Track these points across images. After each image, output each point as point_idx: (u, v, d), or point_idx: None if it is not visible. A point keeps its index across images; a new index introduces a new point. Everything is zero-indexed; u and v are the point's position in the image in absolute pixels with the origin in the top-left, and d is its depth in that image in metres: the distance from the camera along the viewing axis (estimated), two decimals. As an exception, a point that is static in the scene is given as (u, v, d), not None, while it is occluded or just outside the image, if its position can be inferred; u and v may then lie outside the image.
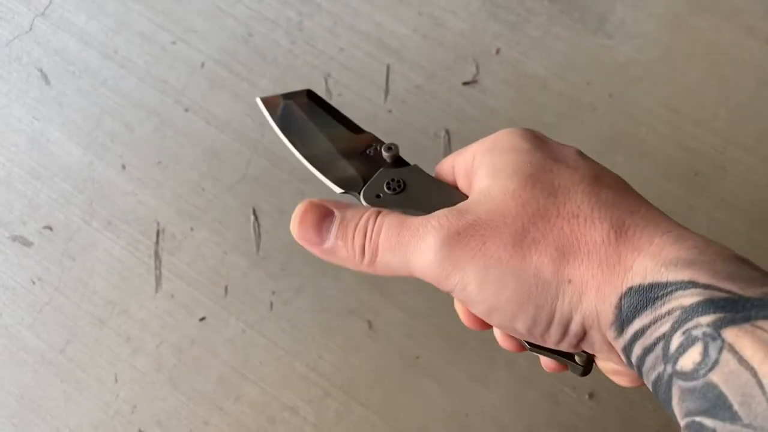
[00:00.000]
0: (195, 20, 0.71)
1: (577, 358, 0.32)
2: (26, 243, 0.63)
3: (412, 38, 0.69)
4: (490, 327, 0.32)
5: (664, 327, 0.24)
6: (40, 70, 0.69)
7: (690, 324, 0.23)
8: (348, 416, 0.57)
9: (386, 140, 0.37)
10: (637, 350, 0.26)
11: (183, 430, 0.57)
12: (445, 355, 0.58)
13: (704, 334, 0.23)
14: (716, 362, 0.22)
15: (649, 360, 0.25)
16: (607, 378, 0.33)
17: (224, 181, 0.64)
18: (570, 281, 0.27)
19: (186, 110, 0.67)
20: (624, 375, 0.31)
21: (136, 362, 0.59)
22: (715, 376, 0.22)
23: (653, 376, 0.25)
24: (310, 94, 0.40)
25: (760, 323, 0.22)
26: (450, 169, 0.34)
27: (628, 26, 0.69)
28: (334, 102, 0.67)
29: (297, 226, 0.32)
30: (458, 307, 0.34)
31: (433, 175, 0.36)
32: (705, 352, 0.23)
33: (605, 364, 0.32)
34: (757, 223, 0.61)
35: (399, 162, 0.36)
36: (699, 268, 0.24)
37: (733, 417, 0.21)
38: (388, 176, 0.35)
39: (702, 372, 0.22)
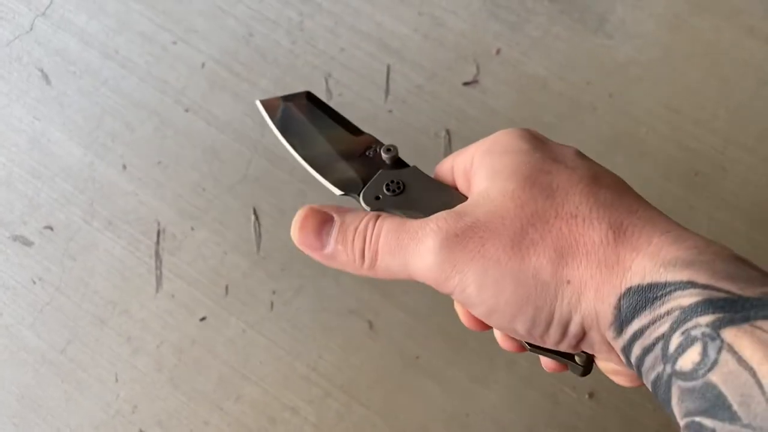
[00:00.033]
0: (196, 20, 0.71)
1: (577, 359, 0.32)
2: (27, 243, 0.63)
3: (413, 38, 0.69)
4: (490, 328, 0.32)
5: (663, 327, 0.24)
6: (41, 70, 0.70)
7: (689, 324, 0.23)
8: (348, 416, 0.57)
9: (386, 140, 0.37)
10: (636, 350, 0.26)
11: (183, 430, 0.57)
12: (445, 355, 0.58)
13: (703, 334, 0.23)
14: (715, 362, 0.22)
15: (649, 360, 0.25)
16: (607, 378, 0.33)
17: (225, 182, 0.65)
18: (569, 282, 0.27)
19: (186, 110, 0.67)
20: (624, 375, 0.31)
21: (137, 362, 0.59)
22: (714, 376, 0.22)
23: (652, 376, 0.25)
24: (309, 96, 0.40)
25: (759, 323, 0.22)
26: (449, 169, 0.34)
27: (628, 26, 0.69)
28: (335, 102, 0.67)
29: (297, 231, 0.32)
30: (458, 308, 0.34)
31: (432, 175, 0.36)
32: (704, 352, 0.23)
33: (605, 364, 0.32)
34: (757, 223, 0.61)
35: (398, 163, 0.36)
36: (698, 268, 0.24)
37: (732, 417, 0.21)
38: (388, 178, 0.35)
39: (701, 372, 0.23)
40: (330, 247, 0.32)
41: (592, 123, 0.66)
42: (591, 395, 0.57)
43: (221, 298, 0.61)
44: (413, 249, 0.29)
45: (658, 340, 0.24)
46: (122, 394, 0.58)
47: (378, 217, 0.31)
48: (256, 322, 0.60)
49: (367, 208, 0.34)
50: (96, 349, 0.59)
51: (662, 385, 0.24)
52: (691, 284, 0.24)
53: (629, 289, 0.25)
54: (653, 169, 0.63)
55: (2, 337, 0.60)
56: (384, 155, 0.36)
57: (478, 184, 0.30)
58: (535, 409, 0.56)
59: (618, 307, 0.26)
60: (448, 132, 0.66)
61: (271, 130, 0.38)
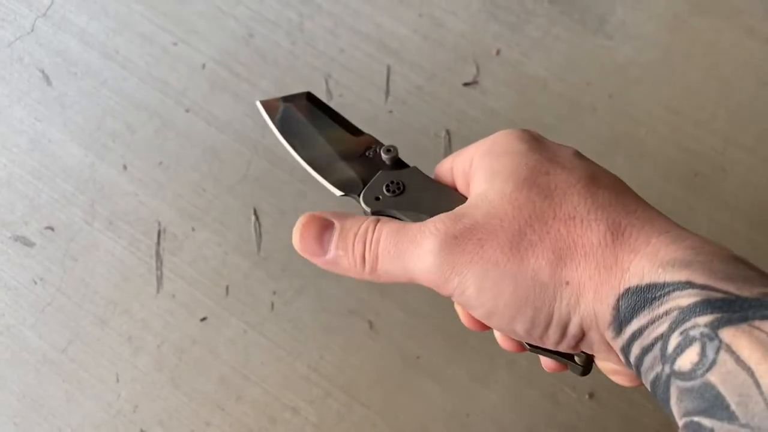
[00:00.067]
0: (196, 21, 0.71)
1: (576, 358, 0.32)
2: (28, 243, 0.63)
3: (413, 39, 0.70)
4: (490, 328, 0.33)
5: (662, 327, 0.24)
6: (42, 71, 0.70)
7: (687, 324, 0.23)
8: (349, 416, 0.57)
9: (387, 141, 0.37)
10: (635, 350, 0.26)
11: (184, 431, 0.57)
12: (445, 354, 0.58)
13: (702, 334, 0.23)
14: (714, 362, 0.22)
15: (648, 360, 0.25)
16: (607, 378, 0.33)
17: (225, 182, 0.65)
18: (567, 283, 0.27)
19: (187, 111, 0.67)
20: (623, 374, 0.32)
21: (138, 362, 0.59)
22: (712, 376, 0.22)
23: (651, 375, 0.25)
24: (309, 97, 0.40)
25: (758, 323, 0.22)
26: (449, 170, 0.34)
27: (628, 27, 0.69)
28: (335, 103, 0.67)
29: (299, 239, 0.32)
30: (458, 308, 0.34)
31: (432, 176, 0.36)
32: (702, 353, 0.23)
33: (604, 364, 0.32)
34: (757, 224, 0.61)
35: (398, 164, 0.36)
36: (696, 268, 0.24)
37: (730, 417, 0.21)
38: (388, 178, 0.35)
39: (699, 372, 0.23)
40: (331, 253, 0.32)
41: (592, 124, 0.66)
42: (591, 395, 0.57)
43: (222, 298, 0.61)
44: (412, 252, 0.29)
45: (656, 340, 0.25)
46: (123, 394, 0.58)
47: (378, 221, 0.31)
48: (257, 322, 0.60)
49: (367, 209, 0.35)
50: (97, 349, 0.60)
51: (661, 385, 0.25)
52: (689, 284, 0.24)
53: (628, 290, 0.26)
54: (653, 170, 0.63)
55: (4, 337, 0.60)
56: (384, 156, 0.36)
57: (477, 186, 0.31)
58: (535, 408, 0.56)
59: (617, 308, 0.26)
60: (448, 132, 0.66)
61: (271, 131, 0.39)
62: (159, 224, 0.63)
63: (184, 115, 0.67)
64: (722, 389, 0.22)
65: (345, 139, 0.38)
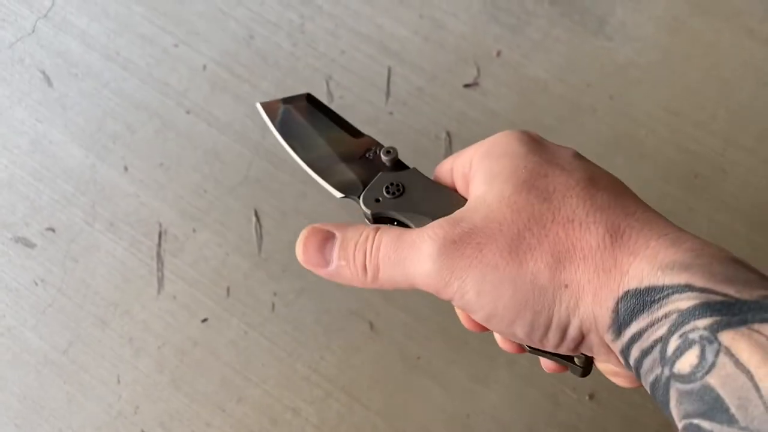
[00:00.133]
0: (197, 23, 0.71)
1: (576, 360, 0.32)
2: (29, 245, 0.63)
3: (413, 41, 0.70)
4: (490, 330, 0.33)
5: (661, 330, 0.24)
6: (43, 72, 0.70)
7: (687, 327, 0.23)
8: (350, 417, 0.57)
9: (387, 142, 0.37)
10: (634, 353, 0.26)
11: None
12: (446, 355, 0.58)
13: (701, 337, 0.23)
14: (713, 365, 0.22)
15: (647, 362, 0.25)
16: (608, 379, 0.33)
17: (226, 183, 0.65)
18: (567, 286, 0.27)
19: (188, 112, 0.68)
20: (623, 376, 0.32)
21: (139, 363, 0.59)
22: (712, 379, 0.22)
23: (651, 378, 0.25)
24: (309, 98, 0.40)
25: (757, 326, 0.22)
26: (449, 171, 0.34)
27: (628, 28, 0.69)
28: (336, 104, 0.67)
29: (302, 252, 0.33)
30: (459, 311, 0.34)
31: (432, 177, 0.36)
32: (702, 355, 0.23)
33: (604, 366, 0.32)
34: (757, 225, 0.61)
35: (398, 165, 0.36)
36: (695, 271, 0.24)
37: (730, 420, 0.22)
38: (387, 180, 0.35)
39: (699, 375, 0.23)
40: (333, 264, 0.32)
41: (592, 125, 0.66)
42: (591, 396, 0.57)
43: (223, 299, 0.61)
44: (412, 257, 0.29)
45: (656, 342, 0.25)
46: (124, 396, 0.58)
47: (377, 230, 0.32)
48: (258, 323, 0.60)
49: (367, 211, 0.35)
50: (98, 350, 0.60)
51: (660, 388, 0.25)
52: (688, 287, 0.24)
53: (627, 293, 0.26)
54: (653, 171, 0.64)
55: (4, 338, 0.60)
56: (384, 157, 0.36)
57: (476, 188, 0.31)
58: (535, 409, 0.57)
59: (616, 311, 0.26)
60: (448, 134, 0.66)
61: (271, 132, 0.39)
62: (160, 225, 0.63)
63: (185, 116, 0.67)
64: (722, 392, 0.22)
65: (345, 140, 0.38)
